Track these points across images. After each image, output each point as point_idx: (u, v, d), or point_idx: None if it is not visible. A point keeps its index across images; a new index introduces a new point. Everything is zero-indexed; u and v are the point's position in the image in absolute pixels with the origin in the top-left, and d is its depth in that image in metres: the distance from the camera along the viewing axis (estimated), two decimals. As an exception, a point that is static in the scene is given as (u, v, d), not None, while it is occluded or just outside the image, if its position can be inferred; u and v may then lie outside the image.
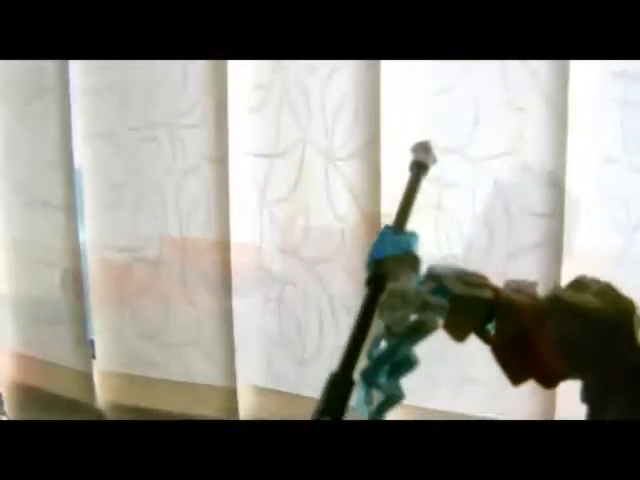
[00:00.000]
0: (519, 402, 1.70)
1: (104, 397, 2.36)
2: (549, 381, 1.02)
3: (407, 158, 1.16)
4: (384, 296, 0.97)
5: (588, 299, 0.96)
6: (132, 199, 2.27)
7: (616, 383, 0.95)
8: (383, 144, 1.75)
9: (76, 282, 2.34)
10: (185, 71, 2.07)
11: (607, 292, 0.98)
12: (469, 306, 1.01)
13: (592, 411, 0.97)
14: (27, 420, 2.32)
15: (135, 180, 2.25)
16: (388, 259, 1.00)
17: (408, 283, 0.98)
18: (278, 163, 1.97)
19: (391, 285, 0.97)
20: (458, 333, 1.03)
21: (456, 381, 1.81)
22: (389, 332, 0.95)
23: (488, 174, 1.65)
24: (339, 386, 0.90)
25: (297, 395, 2.07)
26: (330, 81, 1.80)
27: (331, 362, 1.97)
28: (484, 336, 1.04)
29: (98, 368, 2.38)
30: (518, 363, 1.02)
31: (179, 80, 2.09)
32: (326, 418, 0.84)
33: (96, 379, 2.37)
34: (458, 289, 1.02)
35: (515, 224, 1.63)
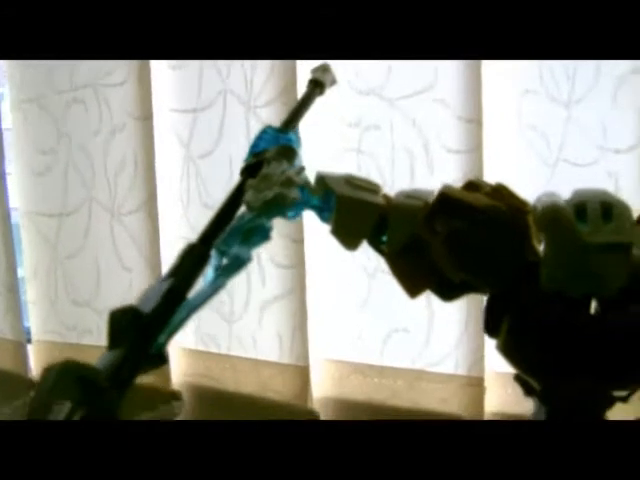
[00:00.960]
0: (447, 352, 1.65)
1: (37, 367, 2.27)
2: (445, 291, 0.95)
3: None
4: (250, 180, 0.92)
5: (478, 196, 0.90)
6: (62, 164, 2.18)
7: (510, 284, 0.88)
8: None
9: (7, 250, 2.26)
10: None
11: (500, 191, 0.91)
12: (357, 209, 0.95)
13: (489, 316, 0.91)
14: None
15: (64, 145, 2.17)
16: (264, 151, 0.94)
17: (276, 168, 0.92)
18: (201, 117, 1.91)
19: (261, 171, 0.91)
20: (348, 239, 0.96)
21: (383, 332, 1.74)
22: (248, 208, 0.91)
23: (405, 114, 1.58)
24: (192, 254, 0.88)
25: (226, 355, 2.00)
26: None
27: (260, 317, 1.93)
28: (377, 246, 0.97)
29: (32, 337, 2.29)
30: (413, 272, 0.95)
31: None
32: (173, 281, 0.84)
33: (30, 348, 2.28)
34: (345, 191, 0.95)
35: (435, 162, 1.57)
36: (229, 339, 2.00)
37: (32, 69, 2.17)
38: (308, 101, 1.08)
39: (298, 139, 0.98)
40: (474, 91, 1.48)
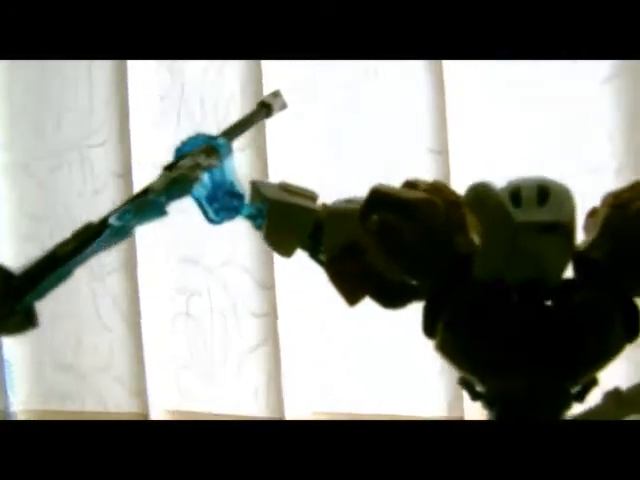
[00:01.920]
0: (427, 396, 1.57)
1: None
2: (385, 296, 0.88)
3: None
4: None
5: (411, 192, 0.84)
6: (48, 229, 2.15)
7: (447, 278, 0.82)
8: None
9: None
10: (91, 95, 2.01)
11: (437, 187, 0.85)
12: (290, 214, 0.89)
13: (427, 316, 0.84)
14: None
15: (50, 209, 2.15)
16: (189, 152, 0.90)
17: (190, 160, 0.88)
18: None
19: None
20: (281, 245, 0.91)
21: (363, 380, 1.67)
22: (151, 191, 0.88)
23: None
24: (85, 230, 0.87)
25: (208, 413, 1.92)
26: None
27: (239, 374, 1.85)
28: (315, 255, 0.92)
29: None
30: (352, 279, 0.89)
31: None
32: (53, 249, 0.84)
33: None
34: (278, 196, 0.90)
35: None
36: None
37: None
38: (251, 119, 1.04)
39: (228, 147, 0.94)
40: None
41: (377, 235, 0.82)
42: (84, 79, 2.01)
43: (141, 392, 2.05)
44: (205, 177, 0.91)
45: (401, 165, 1.53)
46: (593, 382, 0.79)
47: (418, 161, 1.52)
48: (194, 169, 0.88)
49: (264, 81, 1.69)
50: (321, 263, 0.91)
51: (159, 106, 1.92)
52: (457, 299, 0.80)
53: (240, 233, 1.69)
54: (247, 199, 0.92)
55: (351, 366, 1.65)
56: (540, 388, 0.77)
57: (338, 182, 1.62)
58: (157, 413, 2.01)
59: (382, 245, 0.83)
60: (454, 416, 1.52)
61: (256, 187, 0.91)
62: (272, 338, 1.73)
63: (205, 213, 0.92)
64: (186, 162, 0.89)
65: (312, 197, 0.92)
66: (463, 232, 0.81)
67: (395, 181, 1.57)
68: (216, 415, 1.91)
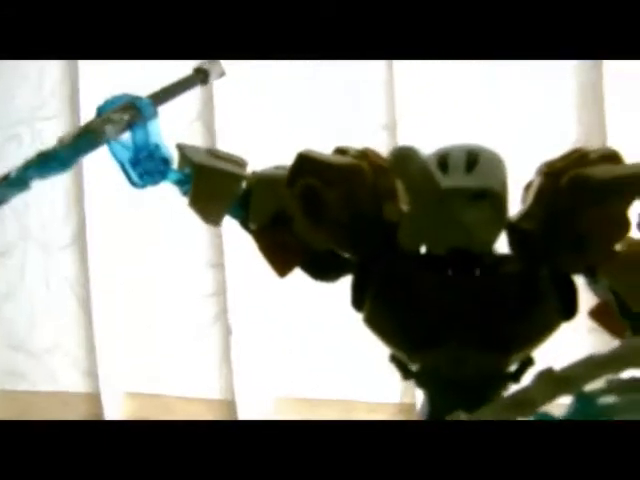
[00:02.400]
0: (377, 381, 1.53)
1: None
2: (314, 267, 0.84)
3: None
4: None
5: (339, 157, 0.79)
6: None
7: (373, 248, 0.77)
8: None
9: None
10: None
11: (366, 153, 0.80)
12: (216, 179, 0.84)
13: (355, 288, 0.79)
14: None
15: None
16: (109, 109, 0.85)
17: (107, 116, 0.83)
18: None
19: None
20: (207, 211, 0.86)
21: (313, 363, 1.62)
22: (58, 143, 0.82)
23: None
24: None
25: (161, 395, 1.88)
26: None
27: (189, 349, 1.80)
28: (244, 223, 0.87)
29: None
30: (281, 248, 0.84)
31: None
32: None
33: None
34: (204, 160, 0.85)
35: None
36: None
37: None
38: (184, 84, 0.98)
39: (152, 108, 0.88)
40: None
41: (300, 202, 0.78)
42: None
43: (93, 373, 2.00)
44: (127, 139, 0.86)
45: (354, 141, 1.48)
46: (529, 361, 0.75)
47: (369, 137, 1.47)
48: (104, 122, 0.83)
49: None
50: (249, 230, 0.86)
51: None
52: (384, 270, 0.76)
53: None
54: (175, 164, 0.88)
55: (301, 348, 1.61)
56: (469, 364, 0.73)
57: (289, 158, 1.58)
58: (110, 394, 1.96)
59: (305, 213, 0.78)
60: (405, 401, 1.47)
61: (182, 151, 0.87)
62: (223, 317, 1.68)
63: (128, 176, 0.87)
64: (105, 114, 0.84)
65: (241, 163, 0.87)
66: (393, 200, 0.76)
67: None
68: (168, 397, 1.87)
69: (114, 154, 0.85)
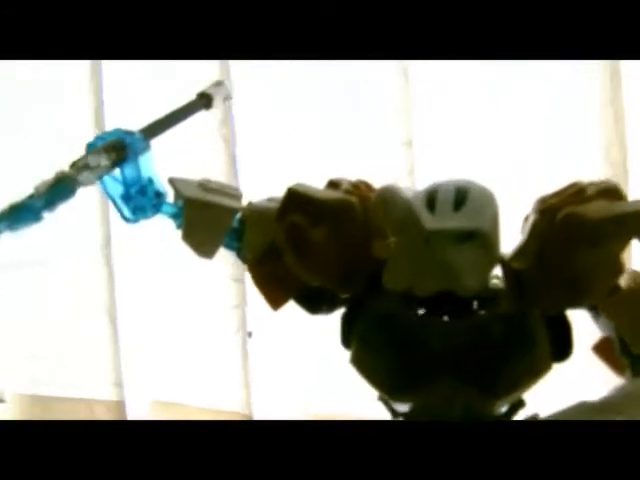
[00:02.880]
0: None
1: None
2: (307, 301, 0.82)
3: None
4: None
5: (330, 192, 0.77)
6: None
7: (362, 285, 0.75)
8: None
9: None
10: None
11: (359, 187, 0.78)
12: (208, 213, 0.82)
13: (344, 326, 0.77)
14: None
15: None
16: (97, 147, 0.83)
17: (87, 159, 0.81)
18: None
19: None
20: (200, 245, 0.84)
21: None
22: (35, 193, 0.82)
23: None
24: None
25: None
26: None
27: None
28: (239, 254, 0.85)
29: None
30: (274, 282, 0.82)
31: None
32: None
33: None
34: (195, 194, 0.83)
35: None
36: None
37: None
38: (186, 110, 0.96)
39: (143, 143, 0.87)
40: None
41: (286, 238, 0.76)
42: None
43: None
44: (118, 175, 0.85)
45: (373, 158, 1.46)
46: (519, 403, 0.72)
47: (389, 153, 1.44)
48: (79, 170, 0.82)
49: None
50: (242, 259, 0.85)
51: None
52: (369, 310, 0.73)
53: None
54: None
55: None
56: (457, 407, 0.70)
57: (308, 174, 1.56)
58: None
59: (291, 249, 0.76)
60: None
61: (174, 184, 0.85)
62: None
63: (120, 212, 0.86)
64: (82, 160, 0.83)
65: (235, 195, 0.85)
66: (383, 237, 0.73)
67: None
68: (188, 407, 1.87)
69: (105, 189, 0.84)
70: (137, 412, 1.98)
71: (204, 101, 0.97)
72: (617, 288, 0.69)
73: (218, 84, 0.99)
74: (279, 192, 0.80)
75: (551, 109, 1.29)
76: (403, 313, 0.71)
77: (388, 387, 0.72)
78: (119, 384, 2.01)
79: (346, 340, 0.76)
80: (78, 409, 2.08)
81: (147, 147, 0.86)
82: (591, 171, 1.29)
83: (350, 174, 1.52)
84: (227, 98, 1.00)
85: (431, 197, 0.69)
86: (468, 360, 0.69)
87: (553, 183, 0.72)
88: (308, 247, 0.74)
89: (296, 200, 0.76)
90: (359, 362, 0.74)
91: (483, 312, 0.70)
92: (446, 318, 0.70)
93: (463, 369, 0.69)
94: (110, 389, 2.05)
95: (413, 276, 0.68)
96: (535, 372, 0.70)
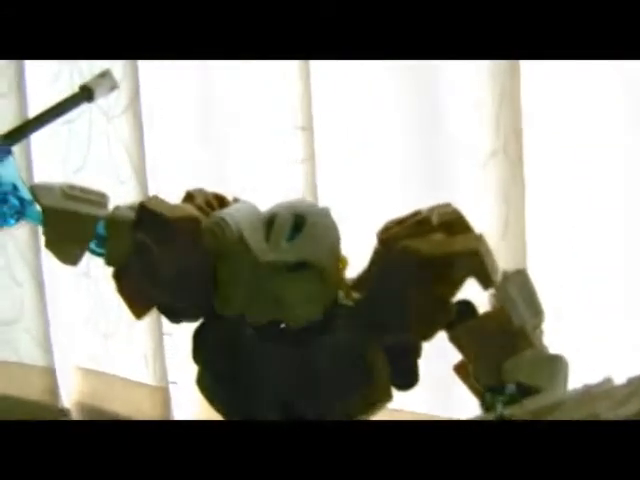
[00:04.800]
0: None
1: None
2: (170, 311, 0.79)
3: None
4: None
5: (182, 207, 0.74)
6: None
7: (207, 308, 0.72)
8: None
9: None
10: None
11: (222, 200, 0.76)
12: (68, 221, 0.80)
13: (194, 345, 0.74)
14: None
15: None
16: None
17: None
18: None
19: None
20: (62, 253, 0.82)
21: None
22: None
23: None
24: None
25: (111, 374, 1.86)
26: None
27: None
28: (104, 260, 0.82)
29: None
30: (135, 291, 0.79)
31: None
32: None
33: None
34: (54, 202, 0.80)
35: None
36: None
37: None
38: (64, 105, 0.93)
39: (4, 150, 0.83)
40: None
41: (135, 253, 0.73)
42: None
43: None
44: None
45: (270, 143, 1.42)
46: None
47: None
48: None
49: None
50: (107, 262, 0.82)
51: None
52: (213, 330, 0.71)
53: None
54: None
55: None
56: None
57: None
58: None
59: (137, 261, 0.73)
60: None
61: (33, 192, 0.82)
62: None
63: None
64: None
65: (99, 202, 0.82)
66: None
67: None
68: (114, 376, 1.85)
69: None
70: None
71: (86, 94, 0.94)
72: (464, 318, 0.66)
73: (103, 75, 0.95)
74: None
75: (448, 106, 1.26)
76: (240, 339, 0.69)
77: (225, 415, 0.71)
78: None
79: (195, 358, 0.74)
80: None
81: (8, 152, 0.82)
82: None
83: (249, 160, 1.49)
84: (112, 88, 0.97)
85: (268, 224, 0.66)
86: (299, 391, 0.67)
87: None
88: (153, 265, 0.72)
89: (145, 216, 0.73)
90: (199, 385, 0.72)
91: (319, 341, 0.68)
92: (281, 347, 0.68)
93: (294, 401, 0.67)
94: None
95: (244, 304, 0.66)
96: (371, 403, 0.68)
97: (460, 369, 0.73)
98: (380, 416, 0.70)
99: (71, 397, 1.97)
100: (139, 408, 1.74)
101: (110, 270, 0.81)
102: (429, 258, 0.62)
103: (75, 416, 1.96)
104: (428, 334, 0.64)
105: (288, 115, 1.39)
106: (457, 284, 0.63)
